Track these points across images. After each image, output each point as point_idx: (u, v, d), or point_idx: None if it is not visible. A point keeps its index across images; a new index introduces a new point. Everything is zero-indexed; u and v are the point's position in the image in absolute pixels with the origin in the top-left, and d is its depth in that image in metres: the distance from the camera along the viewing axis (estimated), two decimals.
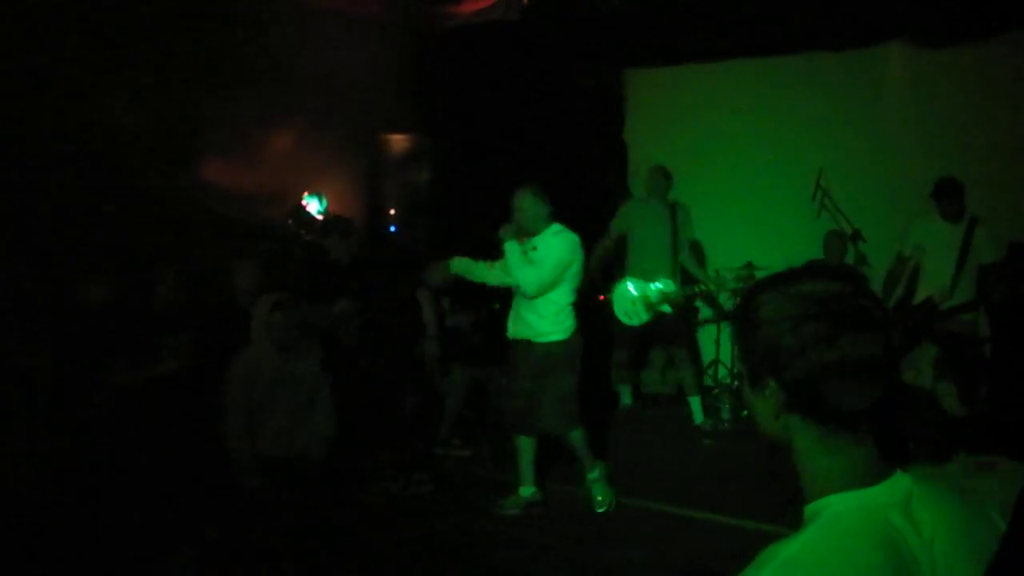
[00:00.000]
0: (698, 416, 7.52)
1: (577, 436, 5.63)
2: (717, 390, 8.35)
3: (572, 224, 5.50)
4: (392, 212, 8.83)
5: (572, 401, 5.60)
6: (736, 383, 8.20)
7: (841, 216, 8.06)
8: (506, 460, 6.58)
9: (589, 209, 8.23)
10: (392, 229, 8.86)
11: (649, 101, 9.82)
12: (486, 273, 5.82)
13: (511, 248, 5.53)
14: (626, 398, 8.08)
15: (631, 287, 7.41)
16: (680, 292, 7.44)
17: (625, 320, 7.41)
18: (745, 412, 7.77)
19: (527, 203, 5.55)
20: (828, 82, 8.67)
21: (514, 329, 5.67)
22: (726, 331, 8.67)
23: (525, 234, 5.57)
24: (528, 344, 5.57)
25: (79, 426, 5.37)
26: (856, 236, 7.89)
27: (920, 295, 6.76)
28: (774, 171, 8.84)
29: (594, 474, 5.71)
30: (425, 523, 5.58)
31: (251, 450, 5.39)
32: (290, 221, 8.26)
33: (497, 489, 5.94)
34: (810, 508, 1.39)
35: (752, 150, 9.02)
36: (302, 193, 8.31)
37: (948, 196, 6.64)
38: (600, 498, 5.68)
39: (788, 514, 1.41)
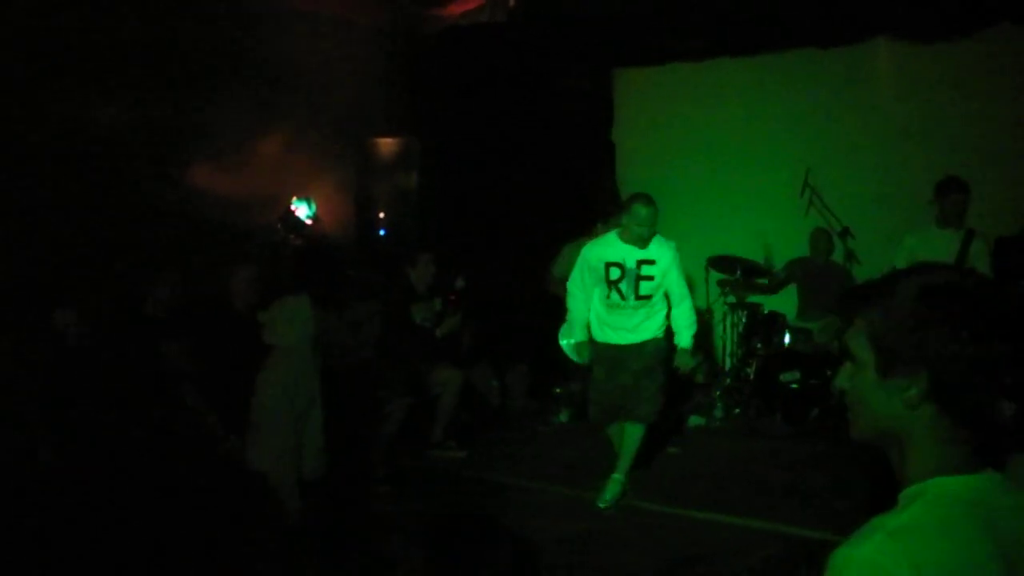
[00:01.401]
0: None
1: (642, 433, 5.85)
2: (717, 391, 8.35)
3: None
4: (382, 215, 8.82)
5: (663, 396, 5.88)
6: (728, 381, 8.22)
7: (829, 213, 8.09)
8: (503, 461, 6.62)
9: (577, 209, 8.25)
10: (381, 232, 8.85)
11: (637, 101, 9.84)
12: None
13: (671, 260, 5.79)
14: (564, 417, 8.07)
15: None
16: None
17: (574, 358, 7.30)
18: (738, 410, 7.81)
19: (652, 216, 5.69)
20: (816, 79, 8.70)
21: (620, 336, 5.81)
22: (717, 329, 8.70)
23: (633, 242, 5.69)
24: (640, 345, 5.77)
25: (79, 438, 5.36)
26: (845, 233, 7.91)
27: None
28: (762, 169, 8.87)
29: (620, 476, 5.84)
30: (414, 526, 5.58)
31: (295, 471, 5.30)
32: (279, 225, 8.24)
33: (491, 489, 5.95)
34: (911, 490, 1.44)
35: (740, 148, 9.04)
36: (291, 197, 8.29)
37: (953, 192, 6.33)
38: (609, 496, 5.77)
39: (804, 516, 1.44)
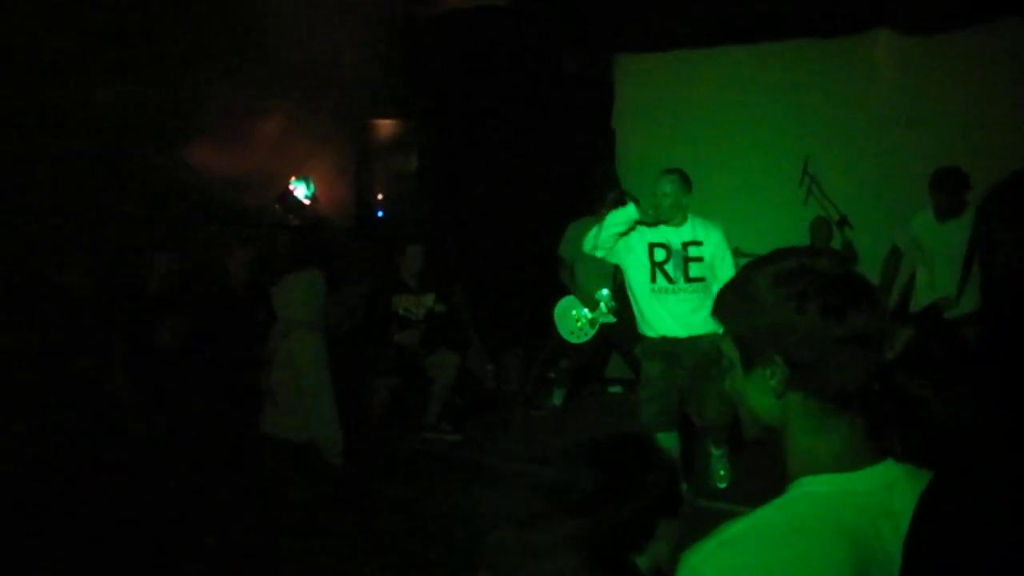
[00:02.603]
0: None
1: (725, 427, 5.71)
2: None
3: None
4: (380, 197, 8.81)
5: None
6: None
7: (828, 203, 8.08)
8: (497, 444, 6.63)
9: (576, 194, 8.24)
10: (380, 214, 8.84)
11: (637, 87, 9.81)
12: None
13: (719, 242, 5.64)
14: (557, 399, 8.10)
15: (575, 308, 7.37)
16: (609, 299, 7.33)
17: (571, 339, 7.36)
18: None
19: (673, 188, 5.51)
20: (816, 69, 8.68)
21: (672, 326, 5.47)
22: None
23: (658, 222, 5.49)
24: (694, 340, 5.40)
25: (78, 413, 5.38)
26: (843, 222, 7.91)
27: (920, 300, 6.44)
28: (762, 157, 8.85)
29: (721, 450, 5.95)
30: (412, 508, 5.60)
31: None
32: (277, 206, 8.24)
33: (486, 473, 5.96)
34: (789, 487, 1.39)
35: (740, 136, 9.02)
36: (289, 178, 8.29)
37: (950, 186, 6.25)
38: (723, 472, 5.96)
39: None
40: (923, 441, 2.04)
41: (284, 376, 5.25)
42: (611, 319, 7.19)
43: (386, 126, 8.76)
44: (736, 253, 8.06)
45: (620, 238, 5.47)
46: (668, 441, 5.45)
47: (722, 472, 5.95)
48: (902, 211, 6.91)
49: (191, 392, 5.62)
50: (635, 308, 5.63)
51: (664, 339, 5.49)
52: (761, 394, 1.43)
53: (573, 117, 9.25)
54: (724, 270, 5.53)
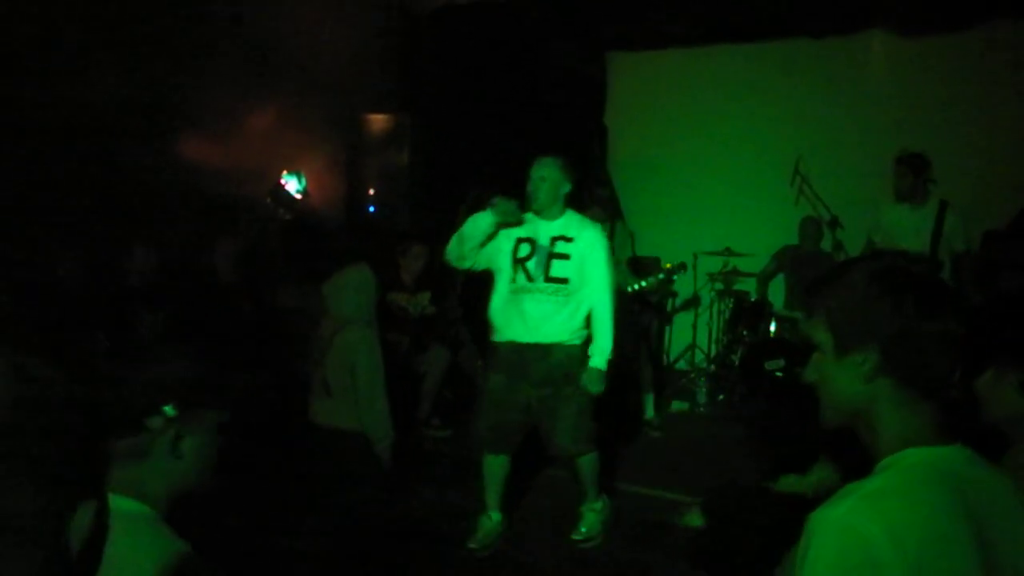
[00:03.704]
0: (648, 412, 7.36)
1: (589, 461, 4.94)
2: (693, 374, 8.40)
3: None
4: (372, 192, 8.80)
5: (590, 418, 4.89)
6: (713, 368, 8.25)
7: (819, 202, 8.11)
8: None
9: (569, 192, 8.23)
10: (371, 209, 8.82)
11: (631, 85, 9.84)
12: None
13: (594, 242, 4.87)
14: None
15: None
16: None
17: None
18: (722, 396, 7.85)
19: (551, 172, 4.90)
20: (809, 69, 8.72)
21: (522, 331, 4.83)
22: (703, 317, 8.73)
23: (530, 211, 4.91)
24: (547, 349, 4.79)
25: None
26: (834, 223, 7.94)
27: None
28: (754, 157, 8.89)
29: (598, 505, 5.10)
30: (401, 502, 5.59)
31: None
32: (269, 199, 8.23)
33: (476, 468, 5.95)
34: (883, 462, 1.54)
35: (732, 135, 9.06)
36: (281, 172, 8.27)
37: (900, 166, 6.42)
38: (585, 529, 5.03)
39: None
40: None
41: (339, 371, 5.24)
42: None
43: (378, 121, 8.74)
44: (727, 252, 8.16)
45: (483, 245, 4.86)
46: (494, 466, 4.97)
47: (584, 529, 5.03)
48: (886, 201, 6.94)
49: None
50: (491, 311, 4.97)
51: (512, 345, 4.85)
52: (850, 379, 1.58)
53: (566, 114, 9.25)
54: (596, 272, 4.81)
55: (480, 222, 4.82)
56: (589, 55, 9.69)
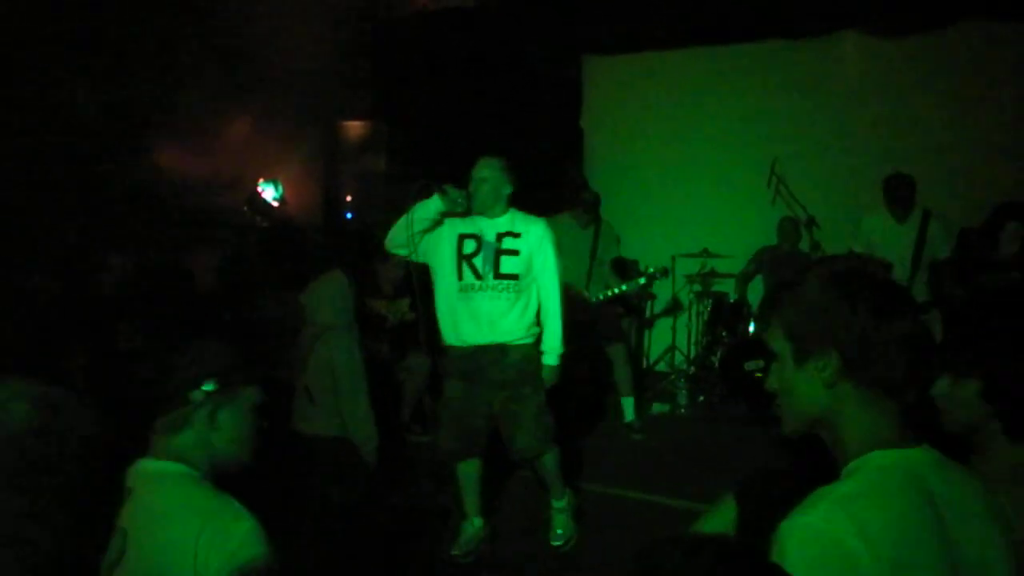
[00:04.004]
0: (629, 415, 7.29)
1: (552, 458, 4.85)
2: (673, 376, 8.41)
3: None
4: (349, 198, 8.78)
5: (549, 415, 4.82)
6: (693, 369, 8.27)
7: (796, 203, 8.14)
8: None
9: (544, 195, 8.23)
10: (348, 215, 8.81)
11: (606, 88, 9.84)
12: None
13: (541, 236, 4.79)
14: None
15: None
16: (591, 298, 7.13)
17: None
18: (702, 398, 7.86)
19: (492, 173, 4.79)
20: (783, 70, 8.74)
21: (476, 333, 4.72)
22: (682, 319, 8.74)
23: (471, 213, 4.76)
24: (502, 349, 4.71)
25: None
26: (811, 223, 7.97)
27: None
28: (730, 158, 8.91)
29: (562, 503, 5.01)
30: (382, 508, 5.58)
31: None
32: (246, 208, 8.20)
33: (453, 473, 5.94)
34: (850, 465, 1.54)
35: (709, 137, 9.08)
36: (258, 180, 8.24)
37: (895, 196, 6.52)
38: (561, 531, 5.01)
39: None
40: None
41: (321, 377, 5.22)
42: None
43: (354, 127, 8.73)
44: (705, 254, 8.17)
45: (426, 234, 4.73)
46: (468, 471, 4.91)
47: (559, 531, 5.02)
48: (867, 209, 6.98)
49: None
50: (438, 313, 4.87)
51: (467, 349, 4.75)
52: (811, 385, 1.58)
53: (542, 118, 9.25)
54: (545, 269, 4.77)
55: (426, 210, 4.68)
56: (564, 59, 9.69)
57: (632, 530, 5.21)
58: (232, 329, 5.93)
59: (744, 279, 8.22)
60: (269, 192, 8.30)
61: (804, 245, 8.06)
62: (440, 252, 4.77)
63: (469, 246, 4.74)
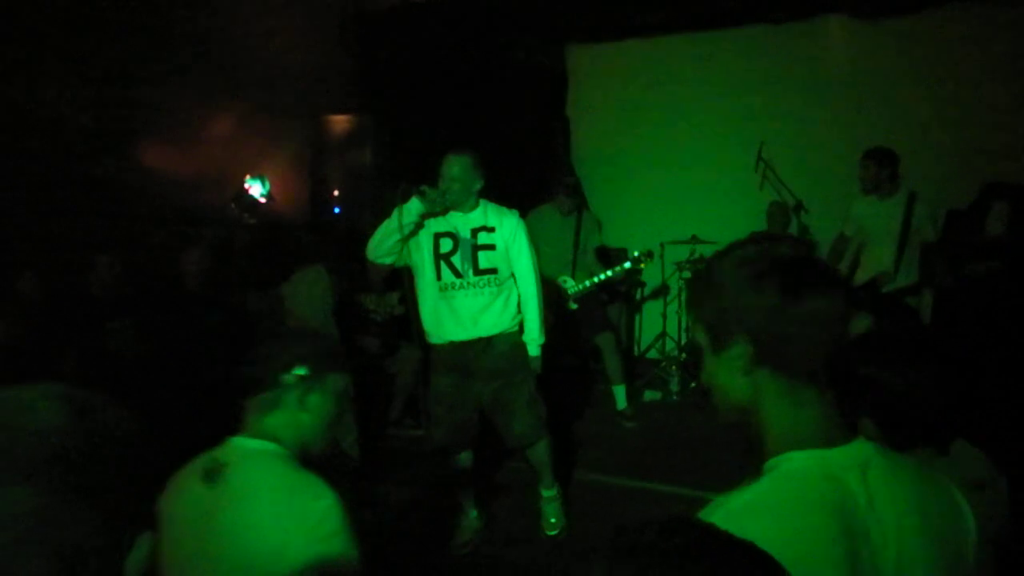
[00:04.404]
0: (621, 403, 7.35)
1: (544, 446, 4.95)
2: (664, 363, 8.42)
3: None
4: (336, 193, 8.76)
5: (541, 402, 4.94)
6: (684, 356, 8.29)
7: (783, 188, 8.15)
8: None
9: (532, 185, 8.23)
10: (336, 210, 8.78)
11: (591, 77, 9.84)
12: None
13: (515, 228, 4.84)
14: None
15: None
16: (577, 286, 7.14)
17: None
18: (694, 384, 7.88)
19: (461, 171, 4.75)
20: (768, 55, 8.75)
21: (460, 329, 4.77)
22: (672, 305, 8.75)
23: (445, 209, 4.77)
24: (488, 342, 4.77)
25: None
26: (799, 207, 7.98)
27: (861, 277, 6.61)
28: (717, 144, 8.92)
29: (552, 492, 5.10)
30: (376, 501, 5.59)
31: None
32: (233, 205, 8.16)
33: (447, 465, 5.94)
34: (769, 463, 1.44)
35: (695, 124, 9.09)
36: (244, 176, 8.21)
37: (865, 160, 6.45)
38: (554, 520, 5.11)
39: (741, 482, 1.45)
40: (889, 422, 2.09)
41: None
42: (573, 307, 7.16)
43: (340, 122, 8.69)
44: (693, 240, 8.18)
45: (409, 238, 4.76)
46: (462, 463, 5.02)
47: (552, 519, 5.10)
48: (857, 193, 6.98)
49: (144, 396, 5.53)
50: (421, 313, 4.91)
51: (453, 345, 4.79)
52: (730, 374, 1.51)
53: (528, 108, 9.25)
54: (521, 260, 4.84)
55: (412, 212, 4.67)
56: (548, 48, 9.68)
57: (626, 517, 5.22)
58: (221, 326, 5.90)
59: None
60: (256, 189, 8.26)
61: (793, 230, 8.08)
62: (418, 252, 4.79)
63: (446, 245, 4.76)
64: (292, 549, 2.07)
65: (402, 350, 6.99)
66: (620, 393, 7.30)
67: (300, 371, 2.32)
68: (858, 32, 8.40)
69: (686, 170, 9.08)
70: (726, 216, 8.50)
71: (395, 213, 4.67)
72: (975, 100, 7.81)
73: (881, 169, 6.38)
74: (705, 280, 1.54)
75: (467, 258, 4.74)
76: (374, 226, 4.86)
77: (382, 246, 4.76)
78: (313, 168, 8.77)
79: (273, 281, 6.68)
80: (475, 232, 4.77)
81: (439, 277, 4.75)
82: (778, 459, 1.43)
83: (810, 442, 1.42)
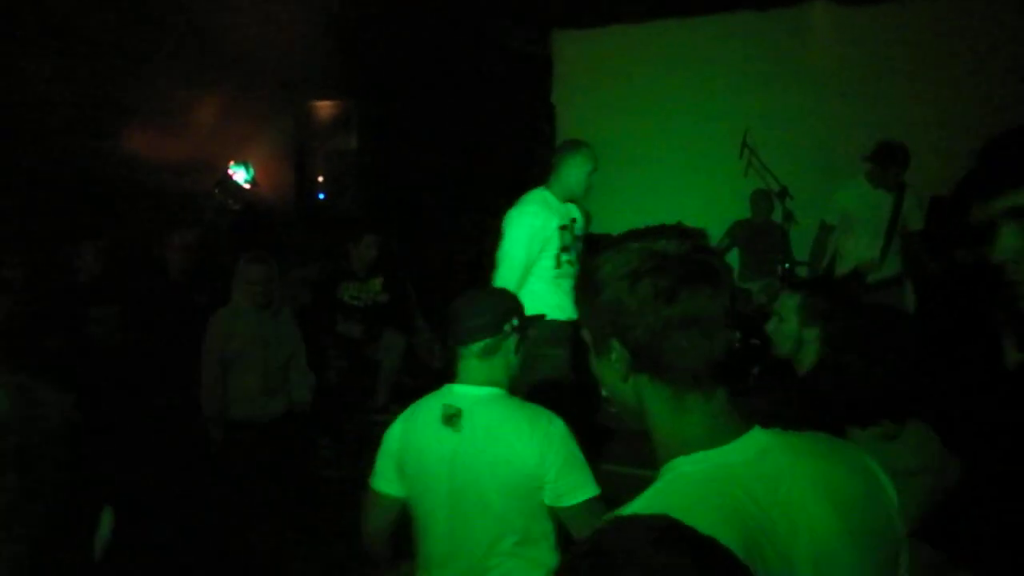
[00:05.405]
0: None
1: None
2: None
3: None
4: (320, 179, 8.74)
5: None
6: None
7: (768, 174, 8.15)
8: None
9: (517, 171, 8.22)
10: (321, 196, 8.77)
11: (576, 63, 9.82)
12: None
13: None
14: None
15: None
16: None
17: None
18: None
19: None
20: (752, 41, 8.75)
21: (572, 310, 4.84)
22: None
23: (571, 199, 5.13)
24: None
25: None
26: (783, 193, 7.97)
27: (846, 265, 6.63)
28: (701, 130, 8.91)
29: None
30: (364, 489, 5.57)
31: (220, 402, 5.25)
32: (217, 190, 8.14)
33: None
34: (661, 471, 1.39)
35: (679, 111, 9.08)
36: (228, 162, 8.18)
37: (897, 165, 6.34)
38: None
39: None
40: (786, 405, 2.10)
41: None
42: None
43: (325, 107, 8.67)
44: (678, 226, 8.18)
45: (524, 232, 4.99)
46: None
47: None
48: (841, 181, 6.98)
49: (129, 383, 5.51)
50: (533, 292, 4.94)
51: (567, 324, 4.97)
52: (611, 376, 1.44)
53: (513, 94, 9.24)
54: None
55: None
56: (534, 34, 9.66)
57: (610, 501, 5.23)
58: (206, 312, 5.88)
59: (719, 253, 8.22)
60: (240, 174, 8.24)
61: (777, 216, 8.08)
62: (549, 246, 5.04)
63: (566, 237, 5.09)
64: (549, 462, 2.60)
65: (386, 337, 6.97)
66: None
67: (514, 321, 2.77)
68: (842, 18, 8.40)
69: (670, 156, 9.08)
70: (711, 203, 8.50)
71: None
72: (960, 86, 7.82)
73: (905, 170, 6.38)
74: (586, 279, 1.44)
75: (577, 250, 5.13)
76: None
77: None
78: (298, 154, 8.74)
79: None
80: (573, 222, 5.16)
81: (558, 266, 5.03)
82: (668, 466, 1.38)
83: (696, 445, 1.36)
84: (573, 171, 5.06)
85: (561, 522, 2.71)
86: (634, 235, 1.41)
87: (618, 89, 9.44)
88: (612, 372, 1.42)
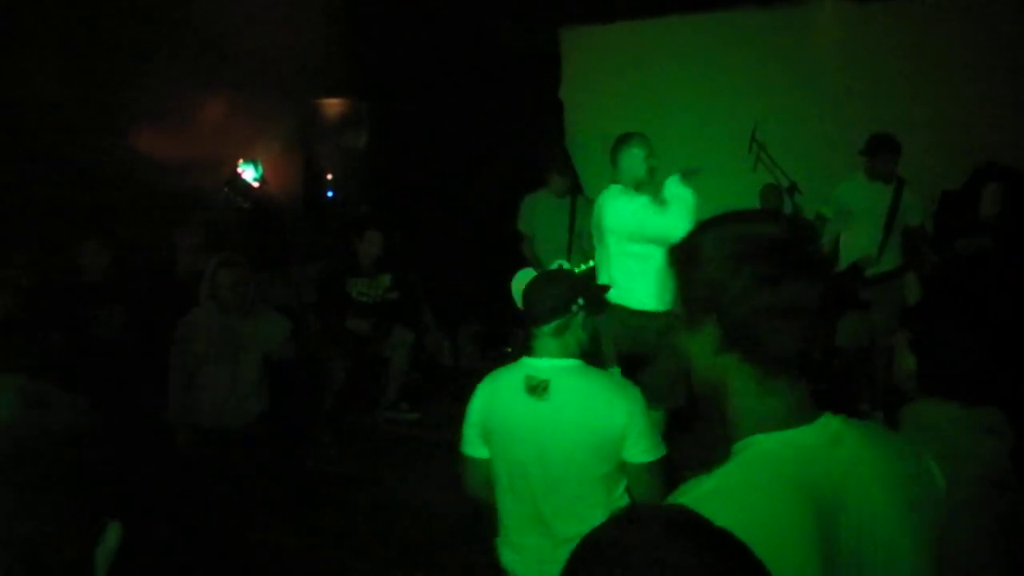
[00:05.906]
0: None
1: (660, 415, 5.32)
2: None
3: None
4: (329, 177, 8.74)
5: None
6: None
7: (777, 169, 8.13)
8: (455, 421, 6.62)
9: (525, 167, 8.22)
10: (329, 194, 8.77)
11: (584, 59, 9.81)
12: None
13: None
14: None
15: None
16: (574, 270, 7.11)
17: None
18: None
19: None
20: (760, 37, 8.72)
21: (648, 300, 5.35)
22: None
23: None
24: (664, 315, 5.28)
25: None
26: (792, 189, 7.96)
27: (845, 259, 6.65)
28: (710, 126, 8.89)
29: None
30: (374, 487, 5.59)
31: (185, 407, 5.16)
32: (226, 189, 8.15)
33: (446, 450, 5.95)
34: (736, 447, 1.41)
35: (688, 106, 9.06)
36: (237, 160, 8.19)
37: (886, 153, 6.43)
38: None
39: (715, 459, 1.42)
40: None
41: None
42: None
43: (333, 105, 8.68)
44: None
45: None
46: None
47: None
48: (843, 176, 6.98)
49: (132, 382, 5.52)
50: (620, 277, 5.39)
51: (633, 313, 5.40)
52: (701, 352, 1.45)
53: (521, 91, 9.23)
54: None
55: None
56: (541, 31, 9.65)
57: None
58: None
59: None
60: (249, 173, 8.25)
61: (787, 211, 8.07)
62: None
63: None
64: (635, 422, 2.85)
65: (395, 334, 6.97)
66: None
67: (581, 301, 2.99)
68: (850, 14, 8.38)
69: (679, 151, 9.02)
70: (719, 198, 8.43)
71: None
72: (966, 82, 7.79)
73: (897, 160, 6.43)
74: (685, 253, 1.46)
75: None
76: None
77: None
78: (306, 152, 8.75)
79: (265, 265, 6.67)
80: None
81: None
82: (744, 443, 1.40)
83: (773, 426, 1.39)
84: (628, 161, 5.59)
85: (627, 477, 2.94)
86: (738, 216, 1.45)
87: (626, 86, 9.42)
88: (701, 348, 1.45)
